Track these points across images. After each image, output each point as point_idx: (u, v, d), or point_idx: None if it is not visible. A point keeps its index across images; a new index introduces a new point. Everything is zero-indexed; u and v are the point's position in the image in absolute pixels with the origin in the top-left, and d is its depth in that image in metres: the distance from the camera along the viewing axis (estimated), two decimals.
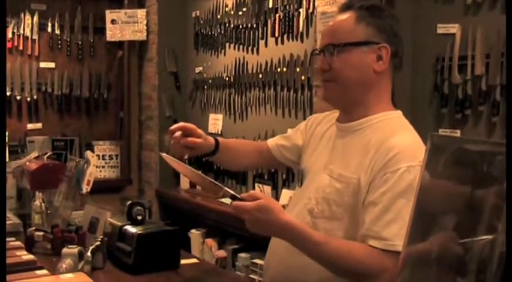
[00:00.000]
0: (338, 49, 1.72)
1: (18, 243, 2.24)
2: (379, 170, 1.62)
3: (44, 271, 1.93)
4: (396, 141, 1.66)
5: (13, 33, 4.96)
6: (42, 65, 5.13)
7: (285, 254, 1.81)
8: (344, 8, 1.79)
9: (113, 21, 5.11)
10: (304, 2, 3.58)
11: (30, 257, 2.05)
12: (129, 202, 2.17)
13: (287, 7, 3.74)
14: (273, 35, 3.90)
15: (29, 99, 5.05)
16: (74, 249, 1.98)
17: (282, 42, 3.84)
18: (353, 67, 1.73)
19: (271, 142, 2.14)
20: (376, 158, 1.64)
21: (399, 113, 1.83)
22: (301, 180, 1.93)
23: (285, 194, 3.59)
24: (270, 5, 3.91)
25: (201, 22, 4.83)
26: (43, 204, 2.64)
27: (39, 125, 5.11)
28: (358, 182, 1.66)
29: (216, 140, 2.05)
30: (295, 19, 3.66)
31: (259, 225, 1.61)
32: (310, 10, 3.52)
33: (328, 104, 1.91)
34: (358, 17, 1.73)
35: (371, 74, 1.75)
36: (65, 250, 1.98)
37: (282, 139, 2.13)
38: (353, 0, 1.79)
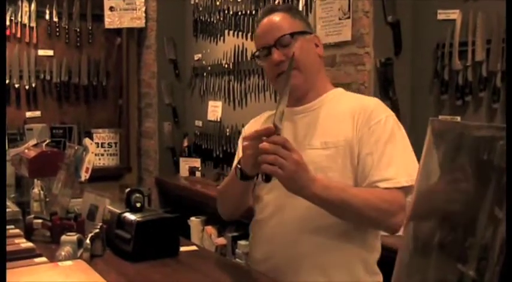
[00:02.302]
0: (296, 37, 1.86)
1: (17, 231, 2.24)
2: (364, 125, 1.82)
3: (43, 259, 1.93)
4: (366, 102, 1.91)
5: (11, 20, 4.93)
6: (41, 52, 5.11)
7: (293, 240, 1.85)
8: (268, 12, 1.95)
9: (111, 8, 5.07)
10: None
11: (29, 244, 2.04)
12: (128, 189, 2.16)
13: None
14: None
15: (27, 87, 5.04)
16: (73, 237, 1.97)
17: None
18: (307, 53, 1.89)
19: None
20: (357, 118, 1.83)
21: (342, 89, 2.05)
22: None
23: None
24: None
25: (200, 9, 4.80)
26: (42, 192, 2.63)
27: (37, 113, 5.09)
28: (347, 142, 1.81)
29: None
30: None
31: (297, 177, 1.62)
32: None
33: (291, 92, 1.94)
34: (290, 14, 1.93)
35: (318, 59, 1.95)
36: (63, 238, 1.97)
37: None
38: (273, 5, 2.07)
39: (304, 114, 1.94)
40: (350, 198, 1.71)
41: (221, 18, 4.51)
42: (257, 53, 1.96)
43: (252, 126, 2.11)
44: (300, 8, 3.57)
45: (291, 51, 1.85)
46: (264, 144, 1.60)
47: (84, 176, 2.56)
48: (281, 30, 1.88)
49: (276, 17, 1.91)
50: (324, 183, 1.69)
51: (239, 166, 1.80)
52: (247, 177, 1.80)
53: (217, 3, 4.54)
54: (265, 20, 1.93)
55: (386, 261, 1.90)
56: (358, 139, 1.81)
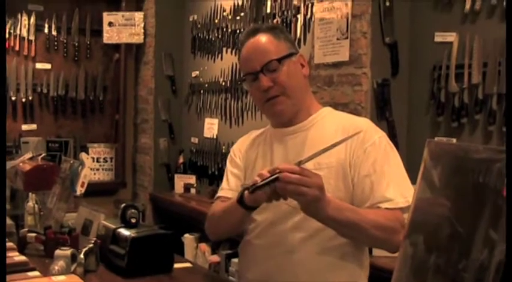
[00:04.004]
0: (283, 62, 1.85)
1: (10, 244, 2.23)
2: (358, 147, 1.81)
3: (36, 273, 1.92)
4: (357, 122, 1.91)
5: (9, 33, 4.95)
6: (38, 66, 5.13)
7: (285, 259, 1.84)
8: (252, 33, 1.92)
9: (110, 24, 5.10)
10: (302, 8, 3.58)
11: (22, 258, 2.04)
12: (123, 205, 2.16)
13: (285, 13, 3.74)
14: None
15: (24, 99, 5.04)
16: (67, 251, 1.96)
17: None
18: (294, 77, 1.87)
19: (234, 193, 1.96)
20: (350, 139, 1.77)
21: (331, 108, 2.03)
22: None
23: None
24: (268, 11, 3.91)
25: (199, 26, 4.83)
26: (36, 206, 2.62)
27: (34, 126, 5.09)
28: (339, 163, 1.81)
29: None
30: (292, 25, 3.66)
31: (317, 201, 1.60)
32: (308, 16, 3.52)
33: (278, 117, 1.95)
34: (274, 36, 1.90)
35: (304, 80, 1.94)
36: (57, 252, 1.97)
37: (235, 178, 2.04)
38: (257, 25, 2.00)
39: (295, 135, 1.92)
40: (360, 219, 1.69)
41: (219, 36, 4.54)
42: (244, 77, 1.94)
43: (240, 145, 2.10)
44: (298, 28, 3.60)
45: (279, 76, 1.84)
46: (287, 175, 1.55)
47: (79, 190, 2.55)
48: (267, 55, 1.85)
49: (261, 39, 1.88)
50: (336, 204, 1.67)
51: (245, 203, 1.74)
52: (253, 208, 1.78)
53: (216, 21, 4.57)
54: (250, 42, 1.90)
55: (375, 279, 1.92)
56: (353, 161, 1.81)
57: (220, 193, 2.06)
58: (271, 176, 1.58)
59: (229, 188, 2.03)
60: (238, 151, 2.09)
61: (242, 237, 2.02)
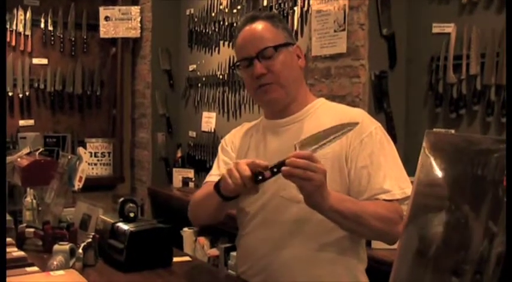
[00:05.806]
0: (279, 50, 1.83)
1: (9, 239, 2.22)
2: (354, 138, 1.78)
3: (35, 268, 1.92)
4: (352, 113, 1.89)
5: (6, 28, 4.92)
6: (35, 61, 5.11)
7: (281, 252, 1.82)
8: (250, 20, 1.90)
9: (106, 18, 5.08)
10: (298, 0, 3.57)
11: (21, 253, 2.03)
12: (122, 199, 2.15)
13: (282, 5, 3.73)
14: None
15: (21, 95, 5.03)
16: (65, 246, 1.96)
17: None
18: (289, 67, 1.86)
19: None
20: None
21: (324, 99, 2.01)
22: None
23: None
24: (265, 3, 3.89)
25: (195, 20, 4.81)
26: (34, 201, 2.62)
27: (31, 122, 5.08)
28: (334, 155, 1.78)
29: None
30: (289, 17, 3.65)
31: (321, 189, 1.58)
32: (305, 8, 3.51)
33: (271, 106, 1.93)
34: (273, 24, 1.88)
35: (299, 71, 1.92)
36: (56, 247, 1.96)
37: (226, 165, 1.97)
38: (256, 13, 1.98)
39: (289, 126, 1.90)
40: (361, 210, 1.68)
41: (216, 29, 4.53)
42: (238, 63, 1.91)
43: (232, 136, 2.09)
44: (295, 20, 3.59)
45: (274, 64, 1.82)
46: (294, 160, 1.52)
47: (77, 185, 2.55)
48: (264, 41, 1.83)
49: (258, 26, 1.86)
50: (337, 196, 1.66)
51: (220, 191, 1.73)
52: (230, 198, 1.76)
53: (213, 14, 4.56)
54: (247, 28, 1.88)
55: (374, 272, 1.91)
56: (350, 153, 1.79)
57: (208, 178, 2.03)
58: (278, 162, 1.55)
59: (220, 173, 1.95)
60: (230, 142, 2.07)
61: (238, 231, 2.02)
